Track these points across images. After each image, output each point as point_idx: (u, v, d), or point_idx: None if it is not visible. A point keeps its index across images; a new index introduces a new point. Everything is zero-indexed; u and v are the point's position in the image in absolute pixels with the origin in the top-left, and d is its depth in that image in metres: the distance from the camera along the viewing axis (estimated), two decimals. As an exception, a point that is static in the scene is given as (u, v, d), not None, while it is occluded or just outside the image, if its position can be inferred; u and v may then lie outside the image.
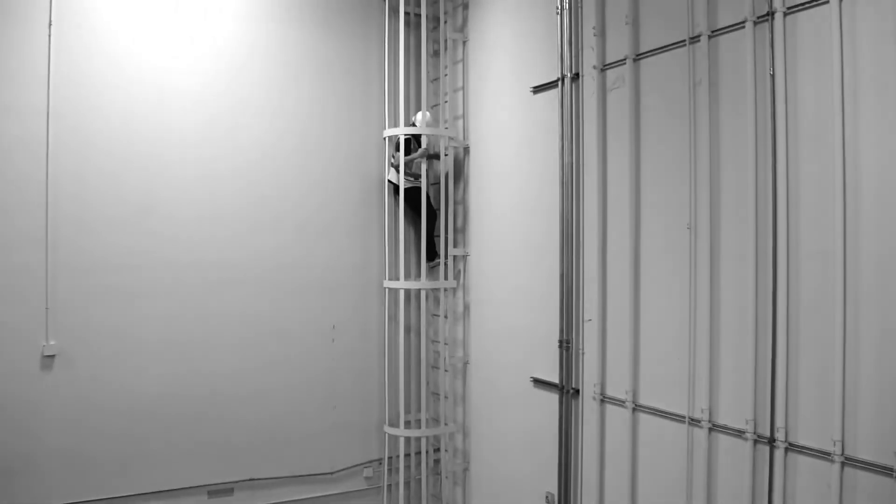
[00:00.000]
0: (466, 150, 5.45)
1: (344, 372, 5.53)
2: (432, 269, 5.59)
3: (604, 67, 4.17)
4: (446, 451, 5.55)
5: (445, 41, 5.57)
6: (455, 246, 5.49)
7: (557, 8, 4.39)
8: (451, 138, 5.42)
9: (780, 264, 3.15)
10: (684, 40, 3.61)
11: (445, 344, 5.54)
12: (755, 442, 3.26)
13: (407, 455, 5.43)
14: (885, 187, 2.81)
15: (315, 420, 5.42)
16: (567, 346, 4.35)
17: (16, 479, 4.49)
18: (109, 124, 4.74)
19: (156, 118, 4.88)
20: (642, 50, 3.92)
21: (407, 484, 5.42)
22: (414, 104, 5.62)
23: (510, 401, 4.97)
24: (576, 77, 4.34)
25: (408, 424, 5.43)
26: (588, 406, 4.25)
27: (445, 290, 5.50)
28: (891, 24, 2.78)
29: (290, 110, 5.35)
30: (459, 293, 5.53)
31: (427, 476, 5.44)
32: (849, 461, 2.89)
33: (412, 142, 5.38)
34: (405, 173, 5.34)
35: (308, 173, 5.41)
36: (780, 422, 3.15)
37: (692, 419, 3.58)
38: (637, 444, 3.93)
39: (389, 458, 5.47)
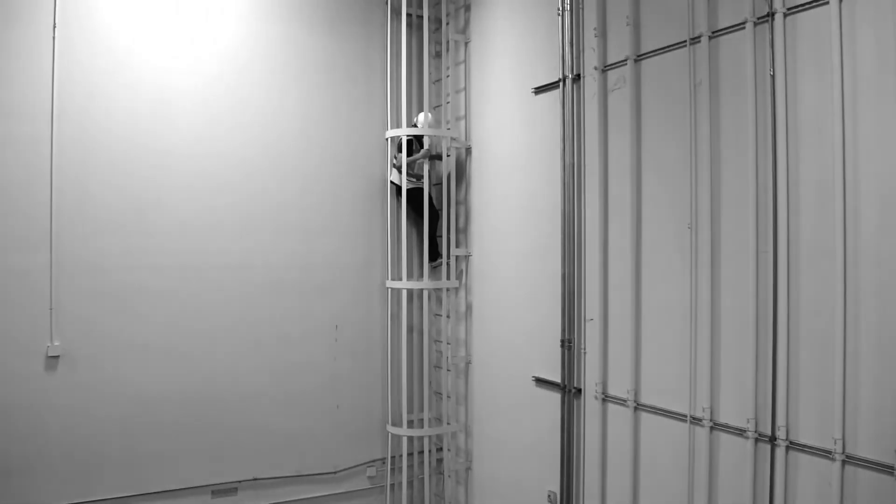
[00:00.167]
0: (468, 150, 5.47)
1: (347, 371, 5.54)
2: (434, 270, 5.60)
3: (605, 68, 4.19)
4: (449, 450, 5.56)
5: (447, 42, 5.58)
6: (457, 246, 5.49)
7: (558, 9, 4.40)
8: (453, 139, 5.43)
9: (781, 264, 3.17)
10: (685, 41, 3.63)
11: (448, 344, 5.56)
12: (756, 440, 3.27)
13: (410, 454, 5.44)
14: (885, 187, 2.82)
15: (318, 420, 5.44)
16: (569, 346, 4.37)
17: (20, 479, 4.51)
18: (113, 125, 4.76)
19: (158, 119, 4.89)
20: (643, 51, 3.93)
21: (410, 483, 5.43)
22: (416, 105, 5.63)
23: (512, 400, 4.98)
24: (577, 78, 4.35)
25: (410, 424, 5.44)
26: (590, 405, 4.27)
27: (448, 290, 5.52)
28: (891, 25, 2.79)
29: (291, 111, 5.35)
30: (461, 293, 5.55)
31: (430, 475, 5.44)
32: (849, 459, 2.90)
33: (414, 143, 5.39)
34: (407, 174, 5.35)
35: (310, 174, 5.41)
36: (781, 420, 3.16)
37: (693, 418, 3.59)
38: (639, 443, 3.95)
39: (392, 457, 5.50)
